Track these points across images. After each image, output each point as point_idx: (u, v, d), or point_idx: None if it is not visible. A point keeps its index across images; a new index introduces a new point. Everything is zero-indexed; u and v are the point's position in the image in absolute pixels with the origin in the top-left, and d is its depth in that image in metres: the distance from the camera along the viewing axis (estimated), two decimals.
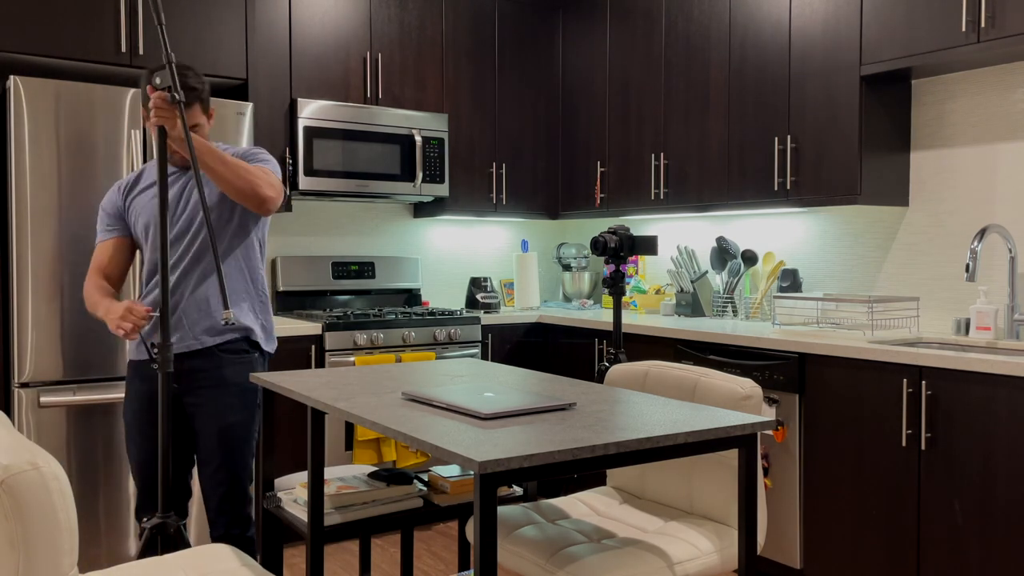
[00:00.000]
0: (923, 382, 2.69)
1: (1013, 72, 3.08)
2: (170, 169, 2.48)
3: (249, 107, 3.45)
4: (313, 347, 3.68)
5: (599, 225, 4.93)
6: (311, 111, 3.86)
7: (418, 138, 4.13)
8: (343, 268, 4.31)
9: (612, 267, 2.95)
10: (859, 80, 3.18)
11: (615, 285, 2.87)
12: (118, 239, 2.51)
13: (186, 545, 2.15)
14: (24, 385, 3.03)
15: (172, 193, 2.46)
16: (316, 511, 2.19)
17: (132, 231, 2.51)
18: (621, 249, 2.83)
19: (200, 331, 2.43)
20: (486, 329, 4.15)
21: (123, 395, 3.14)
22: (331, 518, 2.21)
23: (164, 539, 2.15)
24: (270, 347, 2.56)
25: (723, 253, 3.96)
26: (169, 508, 2.15)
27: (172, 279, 2.42)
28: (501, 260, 4.95)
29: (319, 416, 2.32)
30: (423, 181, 4.17)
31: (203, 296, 2.43)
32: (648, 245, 2.82)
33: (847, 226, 3.61)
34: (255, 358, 2.51)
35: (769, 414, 3.15)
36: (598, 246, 2.81)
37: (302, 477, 2.55)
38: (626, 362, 2.38)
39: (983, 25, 2.79)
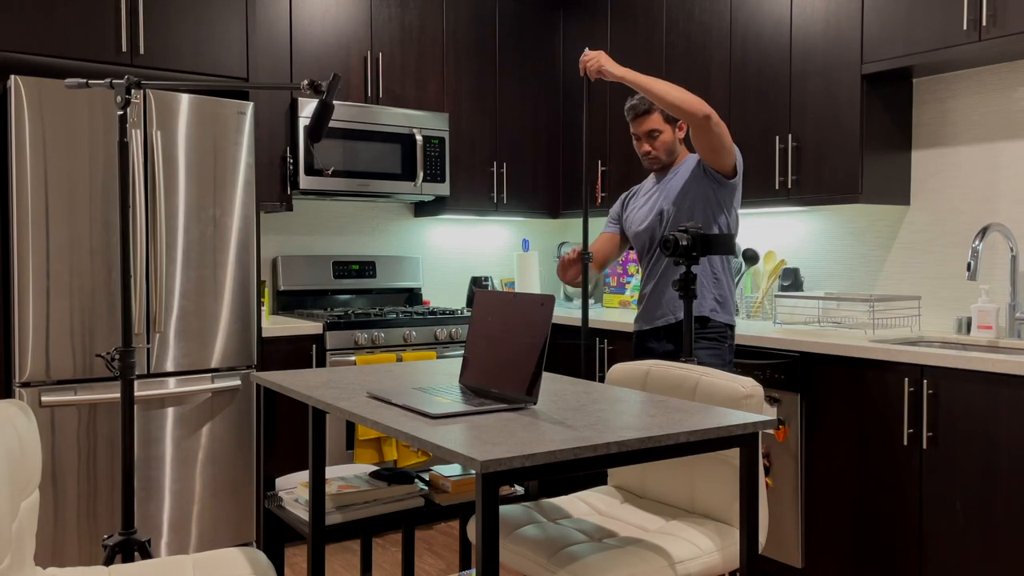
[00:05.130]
0: (924, 381, 2.69)
1: (1015, 70, 3.08)
2: (651, 183, 3.03)
3: (250, 107, 3.45)
4: (314, 346, 3.68)
5: (601, 224, 4.92)
6: (312, 110, 3.85)
7: (419, 137, 4.13)
8: (344, 267, 4.31)
9: (683, 268, 2.68)
10: (860, 79, 3.18)
11: (686, 288, 2.55)
12: (611, 235, 3.13)
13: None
14: (25, 384, 3.03)
15: (645, 209, 2.98)
16: (317, 510, 2.19)
17: (627, 233, 3.09)
18: (694, 248, 2.48)
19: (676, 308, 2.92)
20: None
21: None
22: (332, 517, 2.21)
23: (127, 557, 2.16)
24: (725, 318, 2.88)
25: None
26: (132, 523, 2.16)
27: (653, 268, 2.97)
28: (502, 259, 4.95)
29: (320, 416, 2.32)
30: (424, 180, 4.17)
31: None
32: (725, 244, 2.50)
33: (848, 225, 3.61)
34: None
35: (770, 413, 3.14)
36: (669, 245, 2.49)
37: (303, 477, 2.55)
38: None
39: (984, 23, 2.79)
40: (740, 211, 3.90)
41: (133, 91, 2.15)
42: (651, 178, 3.08)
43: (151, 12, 3.31)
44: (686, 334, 2.52)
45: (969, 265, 2.87)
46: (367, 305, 4.40)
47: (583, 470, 1.58)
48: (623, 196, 3.17)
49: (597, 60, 2.72)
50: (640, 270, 3.16)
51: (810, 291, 3.74)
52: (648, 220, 2.96)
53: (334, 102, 3.90)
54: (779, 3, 3.47)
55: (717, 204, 2.85)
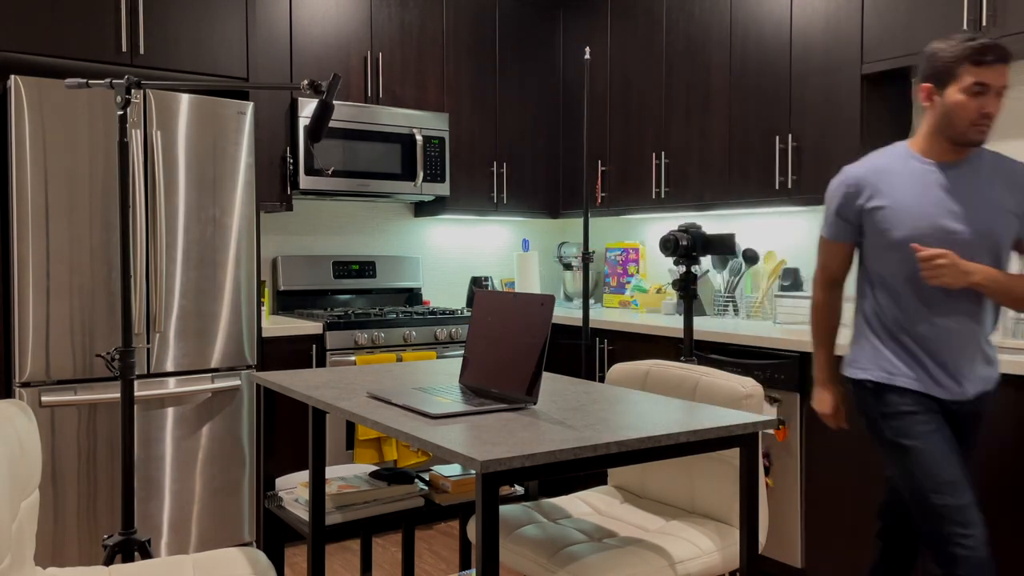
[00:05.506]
0: None
1: (1015, 70, 3.08)
2: (915, 165, 2.15)
3: (250, 107, 3.45)
4: (314, 346, 3.68)
5: (601, 224, 4.92)
6: (312, 111, 3.85)
7: (419, 137, 4.13)
8: (344, 267, 4.31)
9: (683, 268, 2.61)
10: (860, 79, 3.18)
11: (686, 288, 2.53)
12: (850, 244, 2.26)
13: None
14: (25, 384, 3.03)
15: (947, 184, 2.11)
16: (317, 510, 2.19)
17: (859, 235, 2.23)
18: (694, 248, 2.50)
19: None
20: None
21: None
22: (332, 517, 2.21)
23: (127, 557, 2.16)
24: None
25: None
26: (132, 523, 2.16)
27: (946, 308, 2.12)
28: (502, 259, 4.95)
29: (320, 416, 2.32)
30: (424, 180, 4.17)
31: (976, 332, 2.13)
32: (725, 244, 2.48)
33: None
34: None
35: (770, 413, 3.14)
36: (669, 245, 2.49)
37: (303, 476, 2.55)
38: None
39: (984, 23, 2.79)
40: (740, 211, 3.91)
41: (133, 91, 2.15)
42: (902, 155, 2.19)
43: (151, 12, 3.31)
44: (686, 334, 2.52)
45: None
46: (367, 305, 4.40)
47: (583, 470, 1.58)
48: (855, 184, 2.21)
49: (951, 266, 2.03)
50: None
51: (810, 291, 3.74)
52: (967, 224, 2.10)
53: (334, 102, 3.91)
54: (779, 3, 3.47)
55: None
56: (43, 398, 3.03)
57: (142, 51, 3.29)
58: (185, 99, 3.31)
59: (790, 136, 3.43)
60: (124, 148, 2.17)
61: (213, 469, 3.38)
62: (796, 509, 3.09)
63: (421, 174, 4.15)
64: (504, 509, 2.18)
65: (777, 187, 3.48)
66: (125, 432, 2.17)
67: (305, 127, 3.86)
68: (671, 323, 3.64)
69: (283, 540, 2.44)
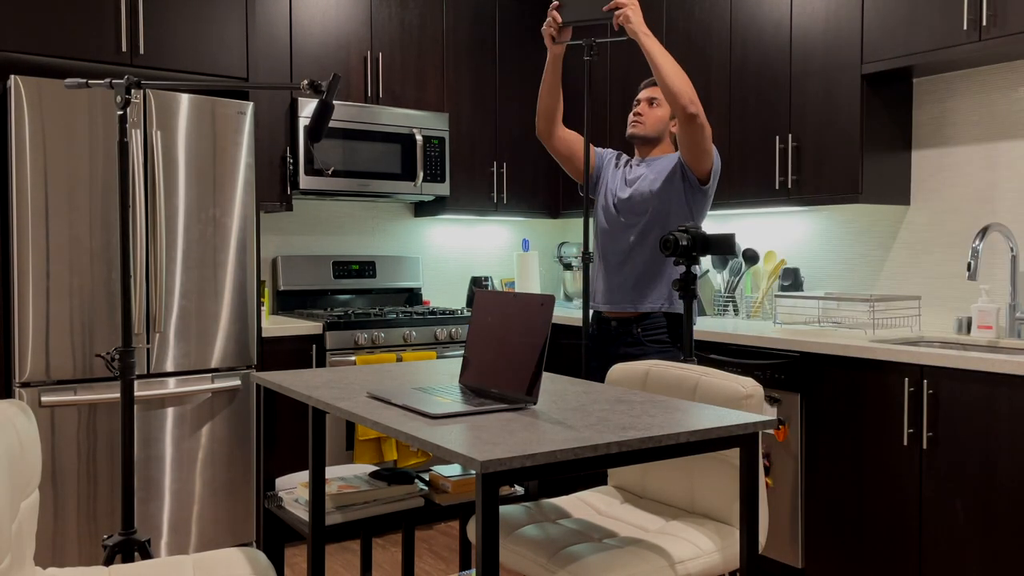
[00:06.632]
0: (924, 381, 2.69)
1: (1015, 70, 3.08)
2: (636, 161, 3.05)
3: (250, 107, 3.45)
4: (314, 347, 3.68)
5: None
6: (312, 110, 3.85)
7: (419, 137, 4.13)
8: (344, 267, 4.31)
9: (683, 268, 2.64)
10: (860, 79, 3.18)
11: (686, 288, 2.52)
12: (581, 148, 3.19)
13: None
14: (25, 384, 3.03)
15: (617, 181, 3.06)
16: (317, 511, 2.19)
17: (596, 190, 3.17)
18: (694, 248, 2.47)
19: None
20: None
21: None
22: (332, 517, 2.21)
23: (127, 557, 2.16)
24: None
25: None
26: (132, 523, 2.16)
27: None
28: (502, 259, 4.95)
29: (320, 416, 2.32)
30: (424, 180, 4.17)
31: None
32: (725, 244, 2.46)
33: (848, 225, 3.61)
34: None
35: (770, 413, 3.14)
36: (668, 245, 2.48)
37: (303, 477, 2.55)
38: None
39: (984, 23, 2.79)
40: (740, 211, 3.91)
41: (133, 91, 2.15)
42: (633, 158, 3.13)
43: (151, 12, 3.31)
44: (686, 334, 2.52)
45: (969, 265, 2.87)
46: (367, 305, 4.40)
47: (583, 470, 1.58)
48: (612, 154, 3.19)
49: (628, 10, 2.73)
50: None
51: (810, 291, 3.74)
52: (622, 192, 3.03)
53: (334, 102, 3.90)
54: (779, 3, 3.47)
55: (686, 208, 2.87)
56: (43, 398, 3.03)
57: (142, 51, 3.29)
58: (185, 99, 3.31)
59: (790, 136, 3.43)
60: (124, 148, 2.17)
61: (213, 469, 3.38)
62: (796, 509, 3.09)
63: (421, 174, 4.15)
64: (504, 509, 2.18)
65: (777, 187, 3.48)
66: (125, 432, 2.17)
67: (305, 127, 3.86)
68: None
69: (283, 540, 2.44)
